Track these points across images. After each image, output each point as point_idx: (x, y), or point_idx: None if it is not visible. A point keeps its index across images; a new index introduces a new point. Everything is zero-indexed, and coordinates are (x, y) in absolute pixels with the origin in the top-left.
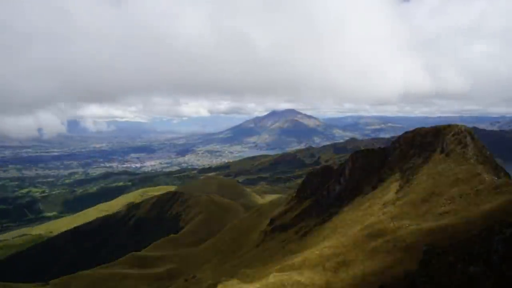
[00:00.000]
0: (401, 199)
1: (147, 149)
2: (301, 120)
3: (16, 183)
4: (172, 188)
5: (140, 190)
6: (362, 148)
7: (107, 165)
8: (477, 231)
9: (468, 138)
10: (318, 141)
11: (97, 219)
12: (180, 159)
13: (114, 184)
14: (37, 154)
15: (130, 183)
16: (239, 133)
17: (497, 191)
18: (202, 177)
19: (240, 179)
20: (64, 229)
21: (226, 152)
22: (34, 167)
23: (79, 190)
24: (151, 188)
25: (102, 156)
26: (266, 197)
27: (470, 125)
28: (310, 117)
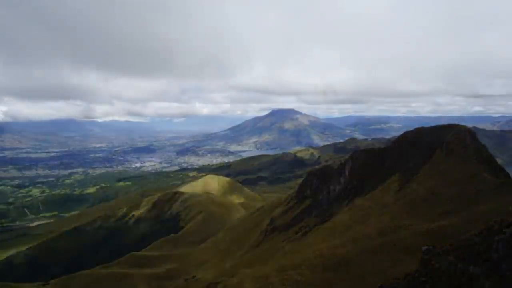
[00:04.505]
0: (401, 199)
1: (147, 149)
2: (301, 120)
3: (16, 183)
4: (172, 188)
5: (140, 190)
6: (362, 148)
7: (107, 165)
8: (477, 231)
9: (468, 138)
10: (318, 141)
11: (97, 219)
12: (180, 159)
13: (114, 184)
14: (37, 154)
15: (130, 183)
16: (239, 133)
17: (497, 191)
18: (202, 177)
19: (240, 179)
20: (64, 229)
21: (226, 152)
22: (34, 167)
23: (79, 190)
24: (151, 188)
25: (102, 156)
26: (266, 197)
27: (470, 125)
28: (310, 117)
